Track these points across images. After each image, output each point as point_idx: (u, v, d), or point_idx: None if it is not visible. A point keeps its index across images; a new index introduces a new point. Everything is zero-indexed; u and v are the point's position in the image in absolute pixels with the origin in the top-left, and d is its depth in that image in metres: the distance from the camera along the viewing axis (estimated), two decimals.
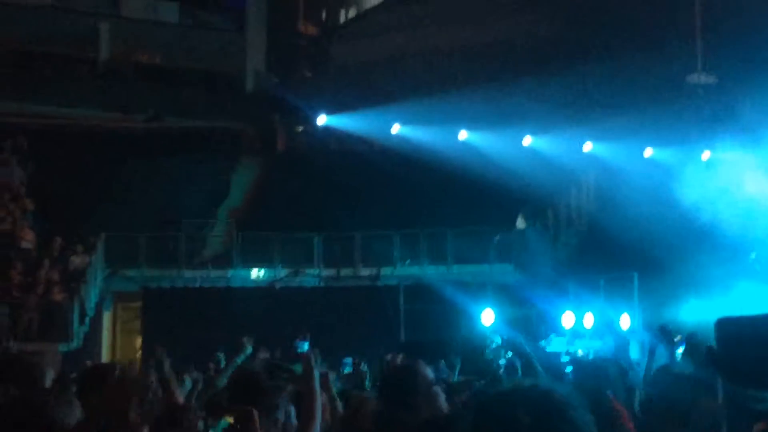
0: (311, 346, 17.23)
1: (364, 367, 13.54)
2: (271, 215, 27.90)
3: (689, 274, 21.09)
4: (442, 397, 5.37)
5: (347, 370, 15.72)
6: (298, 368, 6.62)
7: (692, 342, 12.59)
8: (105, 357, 26.19)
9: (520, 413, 2.50)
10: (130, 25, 33.36)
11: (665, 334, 10.11)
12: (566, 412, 2.51)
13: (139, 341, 26.87)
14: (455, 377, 9.24)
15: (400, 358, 11.13)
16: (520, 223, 19.15)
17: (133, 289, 26.96)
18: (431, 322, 23.11)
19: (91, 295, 25.90)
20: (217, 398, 6.66)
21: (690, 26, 25.92)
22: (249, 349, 12.95)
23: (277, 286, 27.00)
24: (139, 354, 25.96)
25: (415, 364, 5.02)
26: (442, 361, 13.04)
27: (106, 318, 27.50)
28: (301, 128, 33.10)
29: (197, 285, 27.17)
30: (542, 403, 2.51)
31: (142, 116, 32.19)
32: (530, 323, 21.07)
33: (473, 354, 14.90)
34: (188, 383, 10.60)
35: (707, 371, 7.58)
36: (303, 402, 5.57)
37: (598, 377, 6.55)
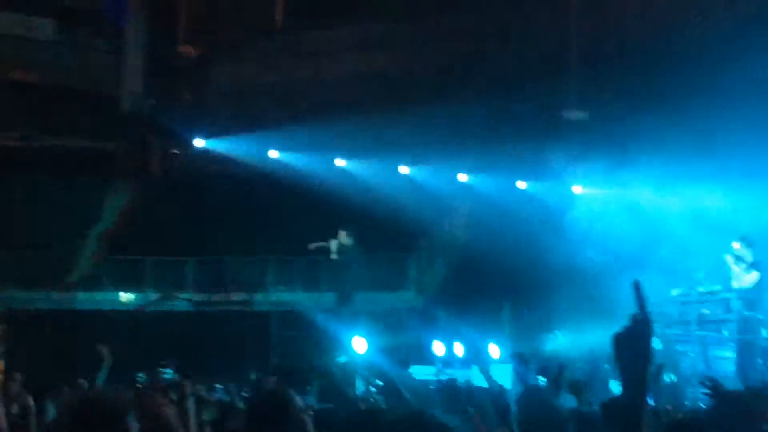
0: (179, 372, 16.94)
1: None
2: (143, 238, 27.49)
3: (557, 307, 21.51)
4: (311, 425, 5.51)
5: (217, 396, 15.55)
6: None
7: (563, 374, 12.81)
8: None
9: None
10: (2, 41, 32.59)
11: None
12: None
13: (1, 365, 26.10)
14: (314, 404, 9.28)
15: (271, 382, 11.05)
16: (345, 239, 18.39)
17: None
18: (303, 350, 23.01)
19: None
20: None
21: (566, 62, 26.56)
22: (109, 360, 12.54)
23: (148, 309, 26.59)
24: (0, 378, 25.21)
25: (286, 391, 5.07)
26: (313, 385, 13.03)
27: None
28: (177, 151, 32.70)
29: (65, 308, 26.57)
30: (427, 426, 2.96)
31: (15, 134, 31.44)
32: (402, 351, 21.14)
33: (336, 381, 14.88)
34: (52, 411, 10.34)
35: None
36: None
37: (471, 402, 6.74)
